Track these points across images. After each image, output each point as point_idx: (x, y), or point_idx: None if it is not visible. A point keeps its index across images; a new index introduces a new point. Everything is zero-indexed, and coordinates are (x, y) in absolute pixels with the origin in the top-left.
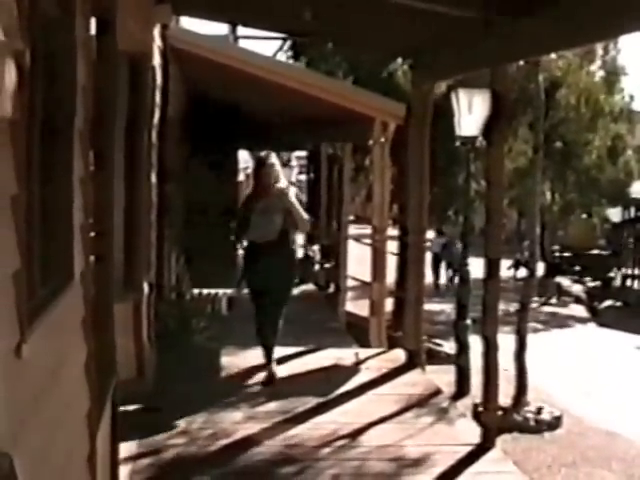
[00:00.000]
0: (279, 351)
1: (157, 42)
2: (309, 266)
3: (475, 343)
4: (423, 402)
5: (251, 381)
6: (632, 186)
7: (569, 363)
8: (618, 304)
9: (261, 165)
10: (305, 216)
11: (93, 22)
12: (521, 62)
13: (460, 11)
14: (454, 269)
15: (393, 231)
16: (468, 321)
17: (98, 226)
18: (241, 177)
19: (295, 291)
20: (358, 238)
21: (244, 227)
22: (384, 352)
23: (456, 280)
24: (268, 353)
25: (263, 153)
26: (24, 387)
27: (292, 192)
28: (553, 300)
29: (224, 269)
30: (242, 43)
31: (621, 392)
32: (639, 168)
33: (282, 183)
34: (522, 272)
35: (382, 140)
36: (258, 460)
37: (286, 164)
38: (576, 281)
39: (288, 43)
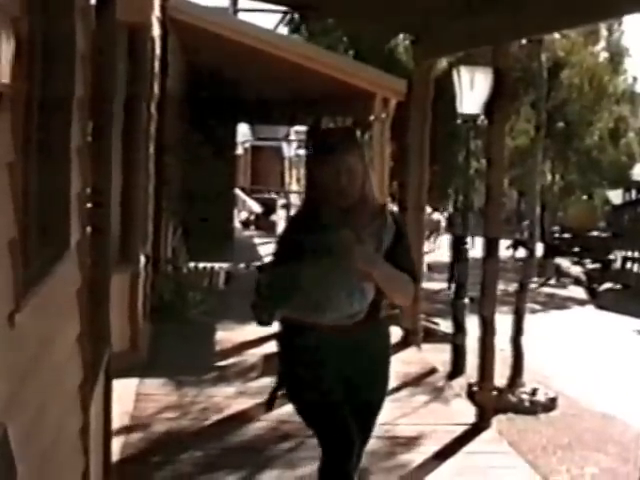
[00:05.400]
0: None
1: (156, 13)
2: None
3: (473, 323)
4: (418, 381)
5: (245, 356)
6: (633, 168)
7: (566, 345)
8: (617, 287)
9: (332, 147)
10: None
11: None
12: (524, 41)
13: None
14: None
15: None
16: (466, 300)
17: (95, 197)
18: (239, 150)
19: None
20: None
21: (286, 290)
22: None
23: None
24: None
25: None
26: (17, 356)
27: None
28: (552, 281)
29: (221, 242)
30: (242, 16)
31: (618, 375)
32: None
33: (373, 188)
34: (521, 252)
35: (383, 116)
36: (251, 435)
37: (286, 138)
38: (575, 263)
39: (288, 16)
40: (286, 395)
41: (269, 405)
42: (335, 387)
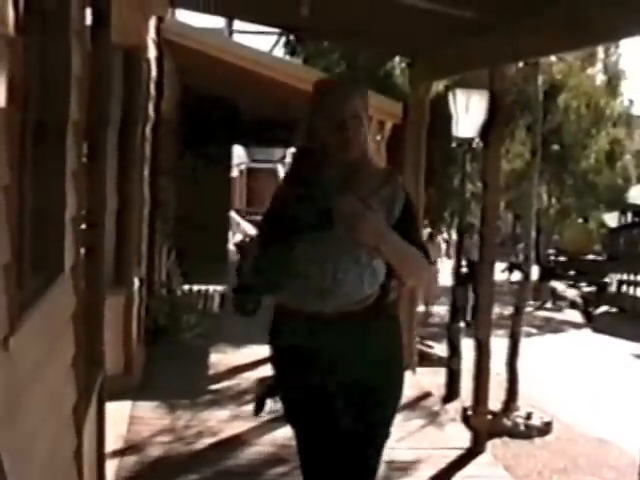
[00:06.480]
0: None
1: (152, 35)
2: None
3: (468, 346)
4: (413, 404)
5: (239, 380)
6: (629, 191)
7: (562, 369)
8: (613, 310)
9: (338, 93)
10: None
11: (88, 13)
12: (520, 64)
13: (459, 11)
14: None
15: None
16: (461, 324)
17: (90, 219)
18: (235, 172)
19: None
20: None
21: (278, 272)
22: None
23: None
24: None
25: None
26: (11, 380)
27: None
28: (548, 305)
29: (216, 265)
30: (237, 37)
31: (614, 399)
32: (637, 173)
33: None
34: (516, 275)
35: (378, 138)
36: (245, 459)
37: (281, 160)
38: (571, 286)
39: (284, 38)
40: (282, 409)
41: (257, 411)
42: (336, 399)
